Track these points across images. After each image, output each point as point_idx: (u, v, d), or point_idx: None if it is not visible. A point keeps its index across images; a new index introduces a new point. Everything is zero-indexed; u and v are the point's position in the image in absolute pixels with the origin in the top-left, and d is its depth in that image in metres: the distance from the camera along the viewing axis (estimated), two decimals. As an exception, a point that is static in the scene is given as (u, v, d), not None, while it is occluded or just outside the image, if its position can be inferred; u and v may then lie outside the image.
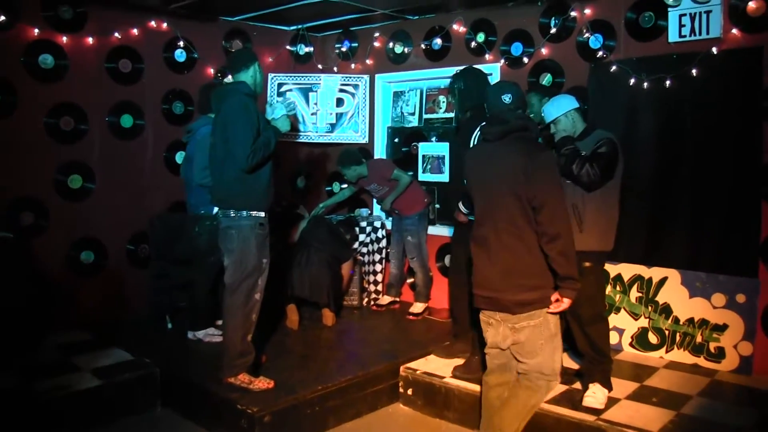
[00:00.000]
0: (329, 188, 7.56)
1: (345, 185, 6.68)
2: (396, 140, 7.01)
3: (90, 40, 5.77)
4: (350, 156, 6.21)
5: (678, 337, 4.96)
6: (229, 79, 4.89)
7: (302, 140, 7.01)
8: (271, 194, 4.26)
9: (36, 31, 5.45)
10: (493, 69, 6.00)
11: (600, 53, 5.35)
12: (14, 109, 5.37)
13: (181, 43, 6.32)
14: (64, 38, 5.62)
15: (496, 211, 3.28)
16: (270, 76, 6.93)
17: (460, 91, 4.56)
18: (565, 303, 3.24)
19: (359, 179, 6.31)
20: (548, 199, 3.17)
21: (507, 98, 3.34)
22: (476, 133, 4.23)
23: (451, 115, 6.26)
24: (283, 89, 6.96)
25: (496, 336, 3.42)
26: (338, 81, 6.99)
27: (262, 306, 4.37)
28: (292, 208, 6.82)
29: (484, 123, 3.45)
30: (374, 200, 6.74)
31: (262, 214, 4.20)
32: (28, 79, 5.43)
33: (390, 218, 6.54)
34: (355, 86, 6.99)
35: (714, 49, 4.77)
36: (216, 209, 4.32)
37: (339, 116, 6.98)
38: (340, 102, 6.97)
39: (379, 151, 7.12)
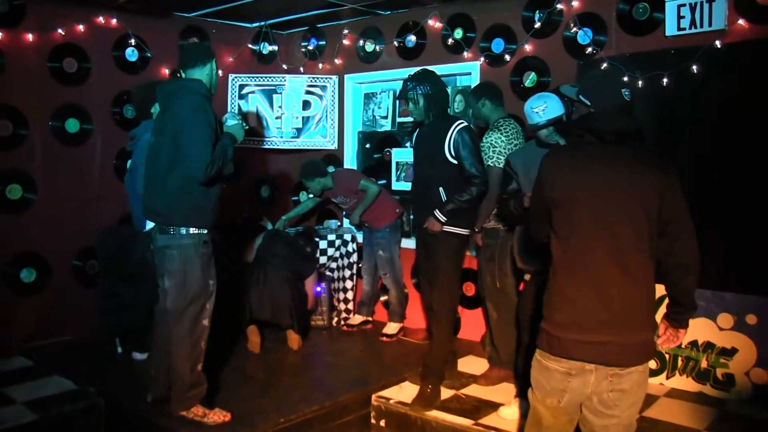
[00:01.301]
0: (296, 198, 7.46)
1: (310, 195, 6.57)
2: (367, 146, 6.94)
3: (30, 36, 5.56)
4: (313, 167, 6.15)
5: (680, 362, 4.75)
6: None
7: (266, 146, 6.93)
8: (217, 210, 4.09)
9: (-33, 25, 5.27)
10: (472, 68, 5.93)
11: (589, 49, 5.22)
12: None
13: (133, 41, 6.14)
14: (0, 34, 5.40)
15: (619, 228, 2.72)
16: (230, 77, 6.85)
17: (427, 96, 4.52)
18: (681, 334, 2.90)
19: (324, 191, 6.25)
20: (686, 224, 2.78)
21: (627, 92, 2.89)
22: (455, 135, 4.40)
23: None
24: (244, 91, 6.88)
25: (582, 387, 2.76)
26: (305, 82, 6.92)
27: (220, 328, 4.29)
28: (254, 220, 6.75)
29: (580, 119, 2.92)
30: (342, 212, 6.73)
31: (206, 231, 4.01)
32: (-41, 78, 5.24)
33: (360, 231, 6.44)
34: (323, 87, 6.92)
35: (717, 43, 4.59)
36: (149, 224, 4.12)
37: (306, 120, 6.92)
38: (306, 105, 6.91)
39: (350, 158, 7.06)
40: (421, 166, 4.65)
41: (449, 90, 6.16)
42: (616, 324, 2.66)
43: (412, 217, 6.09)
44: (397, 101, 6.69)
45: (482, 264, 4.88)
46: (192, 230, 3.94)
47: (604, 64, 5.03)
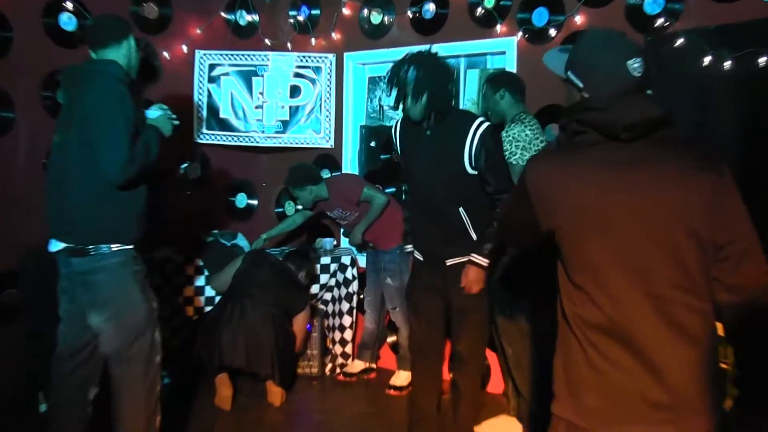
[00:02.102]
0: (280, 209, 7.49)
1: (299, 207, 6.64)
2: (372, 144, 6.91)
3: None
4: (303, 173, 6.19)
5: None
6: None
7: (243, 143, 6.93)
8: (146, 221, 4.08)
9: None
10: (506, 45, 5.91)
11: (660, 20, 5.17)
12: None
13: (69, 5, 5.95)
14: None
15: (654, 263, 2.37)
16: (198, 54, 6.82)
17: (432, 87, 4.29)
18: None
19: (318, 202, 6.28)
20: (752, 240, 2.46)
21: (636, 65, 2.49)
22: (478, 141, 4.26)
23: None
24: (216, 72, 6.87)
25: None
26: (293, 62, 6.90)
27: (180, 377, 4.60)
28: (226, 238, 6.71)
29: (579, 110, 2.55)
30: (340, 228, 6.82)
31: (131, 247, 4.00)
32: None
33: (364, 253, 6.47)
34: (317, 69, 6.91)
35: None
36: (57, 245, 4.00)
37: (294, 110, 6.93)
38: (295, 91, 6.91)
39: (350, 160, 7.06)
40: (427, 181, 4.47)
41: (477, 74, 6.09)
42: (675, 405, 2.32)
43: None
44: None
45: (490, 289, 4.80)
46: (114, 247, 3.91)
47: (680, 39, 4.90)
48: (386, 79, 4.36)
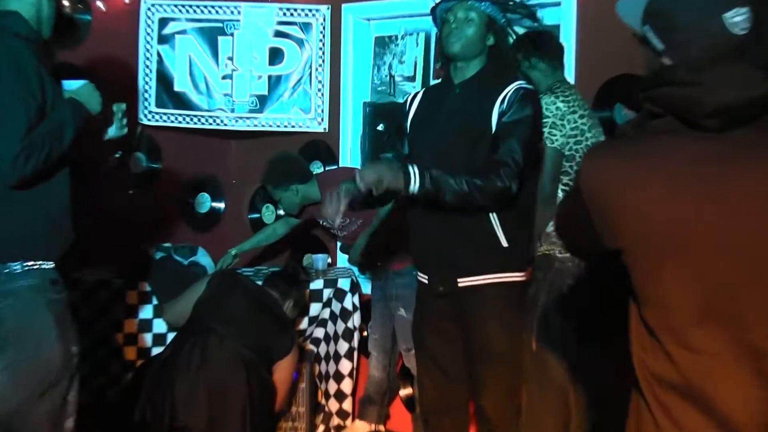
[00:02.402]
0: (255, 215, 7.41)
1: (281, 212, 6.71)
2: (380, 127, 6.78)
3: None
4: (286, 167, 6.20)
5: None
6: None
7: (206, 125, 6.83)
8: (70, 229, 4.00)
9: None
10: None
11: None
12: None
13: None
14: None
15: (750, 309, 2.29)
16: (144, 4, 6.69)
17: (490, 17, 4.39)
18: None
19: (306, 206, 6.24)
20: None
21: (738, 18, 2.36)
22: (508, 99, 4.23)
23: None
24: (168, 30, 6.73)
25: None
26: (273, 16, 6.80)
27: None
28: (182, 255, 6.66)
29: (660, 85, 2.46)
30: (337, 241, 6.71)
31: (52, 264, 3.88)
32: None
33: (368, 275, 6.35)
34: (305, 26, 6.84)
35: None
36: None
37: (275, 82, 6.87)
38: (276, 55, 6.84)
39: (349, 148, 6.97)
40: (439, 153, 4.35)
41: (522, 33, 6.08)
42: None
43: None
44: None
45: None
46: (27, 265, 3.80)
47: None
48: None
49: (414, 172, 4.07)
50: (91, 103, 3.98)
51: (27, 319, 3.80)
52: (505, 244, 4.22)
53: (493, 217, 4.19)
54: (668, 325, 2.36)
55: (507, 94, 4.20)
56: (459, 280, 4.28)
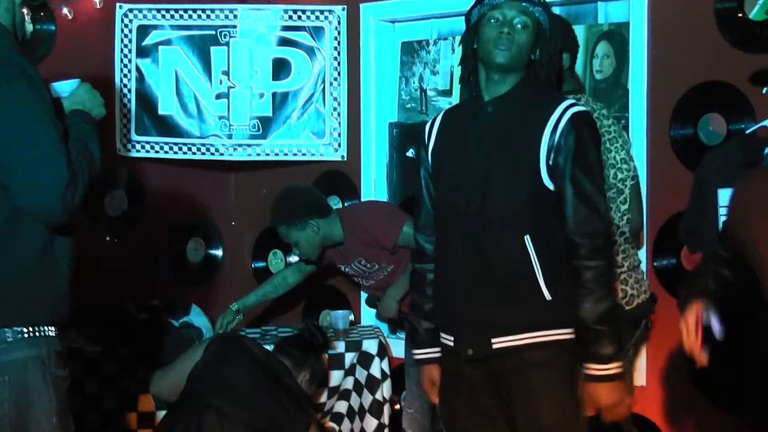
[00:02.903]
0: (260, 264, 7.54)
1: (294, 258, 6.77)
2: (409, 153, 6.98)
3: None
4: (301, 199, 6.22)
5: None
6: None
7: (197, 156, 7.03)
8: (71, 291, 3.94)
9: None
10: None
11: None
12: None
13: None
14: None
15: None
16: (119, 10, 6.84)
17: (544, 28, 4.32)
18: None
19: (326, 249, 6.21)
20: None
21: None
22: (563, 130, 4.08)
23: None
24: (150, 41, 6.89)
25: None
26: (277, 19, 6.95)
27: None
28: (171, 315, 6.78)
29: None
30: (361, 292, 6.77)
31: (53, 331, 3.77)
32: None
33: (401, 334, 6.46)
34: (316, 31, 6.95)
35: None
36: None
37: (281, 100, 6.98)
38: (282, 68, 6.97)
39: (373, 178, 7.10)
40: (472, 185, 4.25)
41: (583, 32, 6.25)
42: None
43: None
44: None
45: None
46: (27, 331, 3.68)
47: None
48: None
49: None
50: (95, 107, 4.01)
51: (21, 400, 3.69)
52: (548, 296, 4.11)
53: (535, 264, 4.09)
54: None
55: (558, 120, 4.10)
56: (493, 340, 4.14)
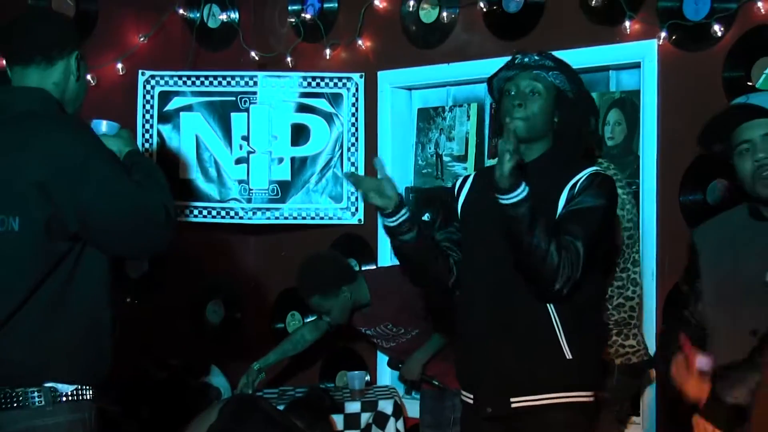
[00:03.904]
0: (279, 326, 7.54)
1: (311, 317, 6.78)
2: (425, 217, 6.83)
3: None
4: (331, 268, 6.22)
5: None
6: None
7: (217, 220, 7.06)
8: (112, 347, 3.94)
9: None
10: (642, 51, 5.92)
11: None
12: None
13: None
14: None
15: None
16: (141, 76, 6.88)
17: (562, 92, 4.42)
18: None
19: (354, 311, 6.26)
20: None
21: None
22: (581, 185, 4.23)
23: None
24: (171, 106, 6.91)
25: None
26: (296, 87, 6.98)
27: None
28: (191, 374, 6.74)
29: None
30: (377, 352, 6.87)
31: (90, 392, 3.72)
32: None
33: (418, 394, 6.47)
34: (335, 98, 6.96)
35: None
36: None
37: (299, 165, 7.02)
38: (300, 134, 7.00)
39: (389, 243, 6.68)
40: (496, 256, 4.32)
41: (596, 99, 6.17)
42: None
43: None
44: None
45: None
46: (70, 392, 3.65)
47: None
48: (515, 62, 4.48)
49: None
50: (122, 142, 4.10)
51: None
52: (569, 355, 4.16)
53: (556, 323, 4.14)
54: None
55: (578, 180, 4.22)
56: (512, 399, 4.17)
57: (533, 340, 4.16)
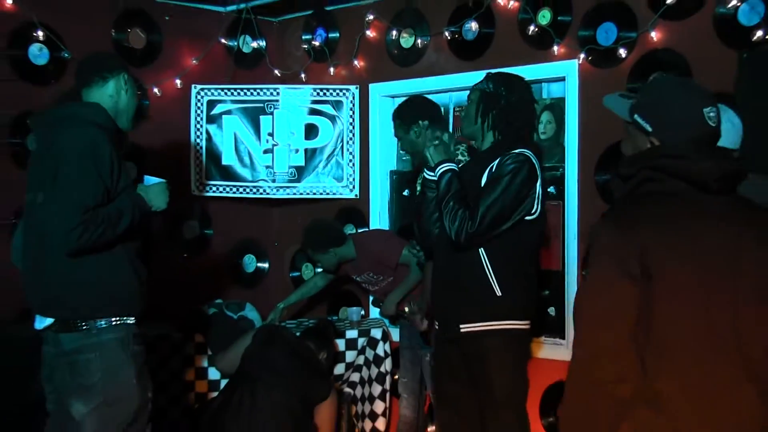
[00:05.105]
0: (296, 274, 7.47)
1: (319, 269, 6.65)
2: (405, 192, 6.86)
3: None
4: (324, 232, 6.25)
5: None
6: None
7: (249, 195, 6.96)
8: (146, 291, 4.12)
9: None
10: (566, 69, 5.85)
11: (759, 33, 4.94)
12: None
13: (40, 34, 5.96)
14: None
15: (724, 335, 2.54)
16: (193, 89, 6.86)
17: (486, 98, 4.44)
18: None
19: (343, 264, 6.27)
20: None
21: (713, 114, 2.70)
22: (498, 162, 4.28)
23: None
24: (216, 111, 6.88)
25: None
26: (308, 96, 6.91)
27: None
28: (231, 310, 6.64)
29: (643, 159, 2.74)
30: (369, 297, 6.78)
31: (133, 320, 4.00)
32: None
33: (398, 325, 6.29)
34: (337, 104, 6.88)
35: None
36: (44, 321, 3.97)
37: (310, 154, 6.91)
38: (311, 131, 6.90)
39: (379, 212, 7.01)
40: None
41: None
42: None
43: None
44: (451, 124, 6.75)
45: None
46: (113, 321, 3.90)
47: None
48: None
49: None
50: (158, 201, 4.09)
51: (113, 369, 3.87)
52: (499, 293, 4.23)
53: (487, 268, 4.23)
54: (681, 356, 2.57)
55: (496, 162, 4.26)
56: (461, 326, 4.30)
57: (472, 282, 4.24)
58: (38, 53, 5.97)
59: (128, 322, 3.95)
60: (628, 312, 2.49)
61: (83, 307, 3.86)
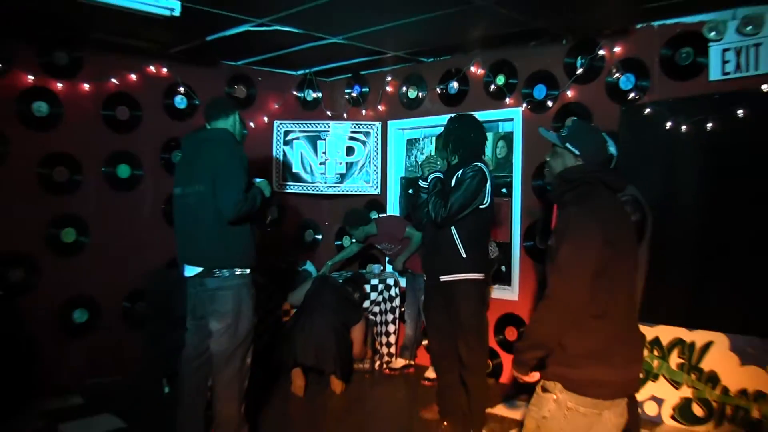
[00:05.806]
0: (339, 242, 7.43)
1: (353, 240, 6.53)
2: (410, 191, 6.79)
3: (86, 86, 5.66)
4: (357, 216, 6.17)
5: (729, 411, 4.49)
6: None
7: (310, 191, 6.93)
8: (255, 252, 4.11)
9: (30, 77, 5.38)
10: (514, 114, 5.86)
11: (632, 95, 5.09)
12: (6, 159, 5.27)
13: (182, 89, 6.18)
14: (59, 84, 5.52)
15: (634, 286, 2.84)
16: (276, 123, 6.88)
17: (456, 134, 4.49)
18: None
19: (368, 237, 6.24)
20: None
21: (612, 147, 3.55)
22: (461, 173, 4.31)
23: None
24: (289, 137, 6.90)
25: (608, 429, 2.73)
26: (348, 128, 6.89)
27: (266, 368, 4.64)
28: (298, 265, 6.74)
29: (597, 171, 2.82)
30: (386, 258, 6.70)
31: (249, 270, 4.05)
32: (21, 128, 5.34)
33: (404, 276, 6.35)
34: (366, 134, 6.88)
35: (764, 87, 4.42)
36: (192, 270, 4.05)
37: (349, 165, 6.89)
38: (350, 151, 6.88)
39: (393, 203, 6.98)
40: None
41: (491, 136, 6.05)
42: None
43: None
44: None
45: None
46: (238, 271, 3.98)
47: (647, 109, 4.89)
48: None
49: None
50: (266, 191, 4.16)
51: (239, 302, 3.96)
52: (464, 255, 4.33)
53: (457, 239, 4.30)
54: (625, 295, 2.83)
55: (460, 172, 4.31)
56: (441, 277, 4.41)
57: (447, 249, 4.33)
58: (180, 101, 6.18)
59: (247, 272, 4.01)
60: (594, 262, 2.56)
61: (223, 260, 3.93)
